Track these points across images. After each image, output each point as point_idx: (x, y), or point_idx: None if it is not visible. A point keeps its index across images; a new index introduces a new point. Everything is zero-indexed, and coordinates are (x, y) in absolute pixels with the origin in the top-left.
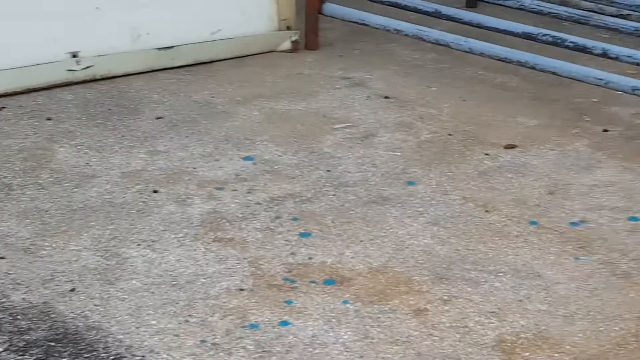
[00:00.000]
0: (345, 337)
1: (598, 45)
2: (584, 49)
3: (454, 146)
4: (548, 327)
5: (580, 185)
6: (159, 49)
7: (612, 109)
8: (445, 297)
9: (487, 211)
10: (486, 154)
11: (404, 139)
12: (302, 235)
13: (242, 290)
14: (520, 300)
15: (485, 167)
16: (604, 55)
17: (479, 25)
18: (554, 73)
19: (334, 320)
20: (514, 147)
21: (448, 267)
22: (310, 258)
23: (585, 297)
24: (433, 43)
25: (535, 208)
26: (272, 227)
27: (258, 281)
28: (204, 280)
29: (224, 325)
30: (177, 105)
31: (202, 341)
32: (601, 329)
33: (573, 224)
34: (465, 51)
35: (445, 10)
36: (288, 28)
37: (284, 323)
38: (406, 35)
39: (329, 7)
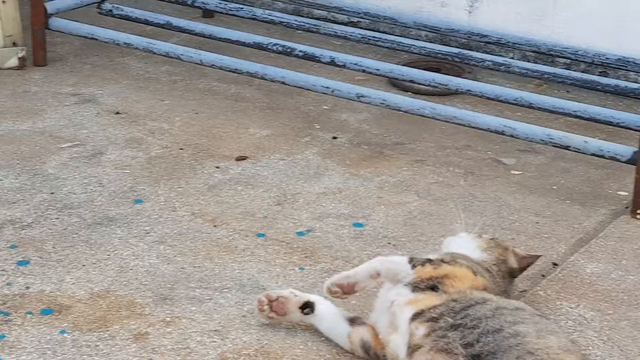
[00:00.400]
0: None
1: (325, 53)
2: (312, 58)
3: (185, 160)
4: (270, 341)
5: (308, 193)
6: None
7: (341, 116)
8: (168, 319)
9: (215, 226)
10: (217, 167)
11: (133, 156)
12: (19, 263)
13: None
14: (243, 316)
15: (216, 181)
16: (332, 63)
17: (211, 37)
18: (282, 82)
19: (49, 352)
20: (245, 159)
21: (172, 286)
22: (27, 287)
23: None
24: (164, 56)
25: (264, 220)
26: None
27: None
28: None
29: None
30: None
31: None
32: (322, 339)
33: (300, 233)
34: (197, 63)
35: (177, 22)
36: (14, 44)
37: None
38: (137, 48)
39: (56, 22)
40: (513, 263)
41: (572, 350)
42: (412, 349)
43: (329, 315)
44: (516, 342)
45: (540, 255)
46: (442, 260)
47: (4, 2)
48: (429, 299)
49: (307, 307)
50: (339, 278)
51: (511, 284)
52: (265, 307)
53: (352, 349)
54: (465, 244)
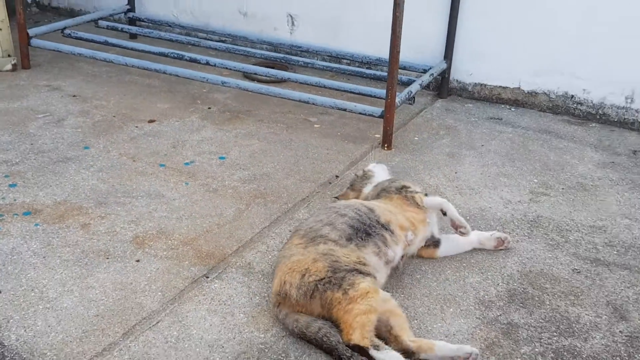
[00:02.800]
0: (34, 246)
1: (203, 58)
2: (195, 60)
3: (116, 123)
4: (166, 226)
5: (192, 140)
6: None
7: (214, 96)
8: (103, 215)
9: (134, 161)
10: (136, 127)
11: (83, 121)
12: (10, 185)
13: None
14: (149, 212)
15: (135, 135)
16: (207, 64)
17: (133, 49)
18: (177, 75)
19: (27, 236)
20: (154, 121)
21: (106, 197)
22: (15, 200)
23: (189, 206)
24: (103, 61)
25: (164, 156)
26: None
27: None
28: None
29: None
30: None
31: None
32: (197, 223)
33: (187, 163)
34: (124, 65)
35: (111, 40)
36: (9, 55)
37: None
38: (86, 57)
39: (35, 41)
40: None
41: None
42: None
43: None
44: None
45: None
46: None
47: (0, 29)
48: None
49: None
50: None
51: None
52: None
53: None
54: (382, 171)
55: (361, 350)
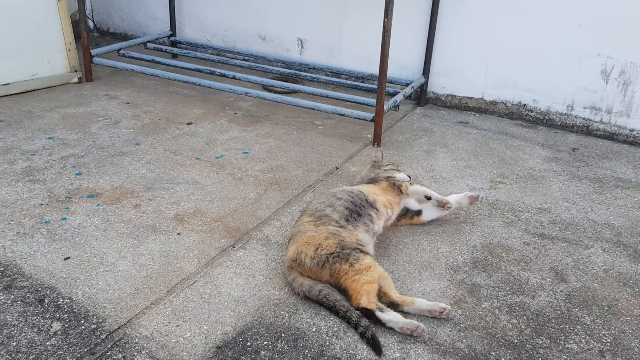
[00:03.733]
0: (96, 222)
1: (230, 73)
2: (224, 75)
3: (161, 125)
4: (201, 206)
5: (222, 139)
6: (1, 84)
7: (239, 104)
8: (151, 198)
9: (175, 155)
10: (177, 128)
11: (135, 123)
12: (77, 174)
13: (41, 204)
14: (188, 195)
15: (176, 134)
16: (234, 78)
17: (175, 67)
18: (210, 87)
19: (91, 214)
20: (191, 124)
21: (153, 183)
22: (80, 185)
23: (219, 191)
24: (152, 75)
25: (199, 151)
26: (61, 172)
27: (51, 199)
28: (21, 201)
29: (31, 222)
30: (12, 114)
31: (18, 232)
32: (225, 204)
33: (217, 157)
34: (167, 79)
35: (158, 59)
36: (75, 71)
37: (64, 219)
38: (137, 72)
39: (96, 59)
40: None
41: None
42: None
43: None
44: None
45: None
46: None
47: (69, 50)
48: None
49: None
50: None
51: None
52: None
53: None
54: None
55: (367, 312)
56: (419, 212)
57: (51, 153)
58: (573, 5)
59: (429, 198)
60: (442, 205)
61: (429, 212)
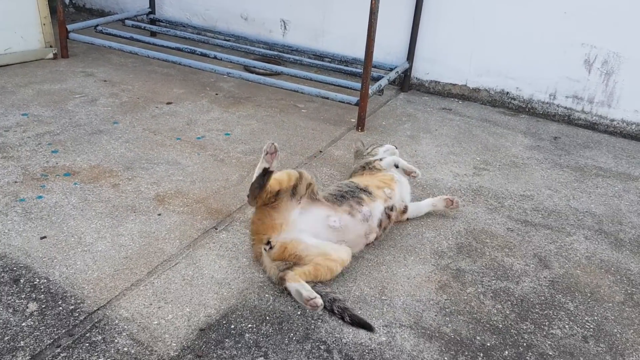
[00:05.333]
0: (74, 201)
1: (212, 53)
2: (205, 55)
3: (140, 104)
4: (182, 187)
5: (203, 120)
6: None
7: (220, 84)
8: (130, 177)
9: (155, 134)
10: (156, 107)
11: (112, 101)
12: (53, 152)
13: (15, 182)
14: (168, 176)
15: (156, 113)
16: (215, 58)
17: (154, 45)
18: (190, 67)
19: (68, 193)
20: (171, 103)
21: (132, 163)
22: (57, 163)
23: (200, 172)
24: (130, 53)
25: (180, 132)
26: (36, 149)
27: (26, 177)
28: None
29: (4, 200)
30: None
31: None
32: (207, 185)
33: (198, 138)
34: (146, 57)
35: (136, 37)
36: (51, 46)
37: (40, 197)
38: (115, 49)
39: (72, 35)
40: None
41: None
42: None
43: None
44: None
45: None
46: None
47: (44, 24)
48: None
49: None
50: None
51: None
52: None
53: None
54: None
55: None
56: (405, 209)
57: (25, 130)
58: None
59: (397, 166)
60: (408, 173)
61: (413, 210)
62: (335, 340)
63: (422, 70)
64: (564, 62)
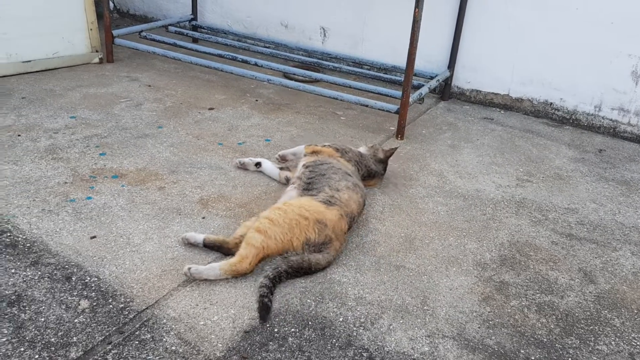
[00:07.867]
0: (122, 202)
1: (253, 60)
2: (246, 62)
3: (183, 109)
4: (225, 192)
5: (244, 125)
6: (23, 61)
7: (261, 91)
8: (175, 181)
9: (198, 139)
10: (199, 112)
11: (157, 106)
12: (101, 154)
13: (66, 182)
14: (211, 180)
15: (198, 118)
16: (256, 65)
17: (197, 51)
18: (232, 73)
19: (116, 194)
20: (213, 109)
21: (177, 166)
22: (105, 165)
23: (242, 177)
24: (173, 59)
25: (222, 137)
26: (84, 151)
27: (75, 178)
28: (45, 179)
29: (56, 200)
30: (34, 92)
31: (43, 209)
32: (249, 190)
33: (240, 143)
34: (189, 63)
35: (179, 43)
36: (97, 51)
37: (89, 198)
38: (159, 55)
39: (118, 41)
40: (381, 154)
41: (353, 189)
42: (298, 177)
43: (269, 166)
44: (326, 179)
45: (397, 147)
46: (323, 145)
47: (91, 30)
48: (309, 159)
49: (258, 164)
50: (282, 153)
51: (383, 166)
52: (237, 166)
53: (280, 180)
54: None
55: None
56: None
57: (74, 132)
58: (606, 4)
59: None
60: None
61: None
62: (377, 348)
63: (463, 79)
64: (610, 73)
